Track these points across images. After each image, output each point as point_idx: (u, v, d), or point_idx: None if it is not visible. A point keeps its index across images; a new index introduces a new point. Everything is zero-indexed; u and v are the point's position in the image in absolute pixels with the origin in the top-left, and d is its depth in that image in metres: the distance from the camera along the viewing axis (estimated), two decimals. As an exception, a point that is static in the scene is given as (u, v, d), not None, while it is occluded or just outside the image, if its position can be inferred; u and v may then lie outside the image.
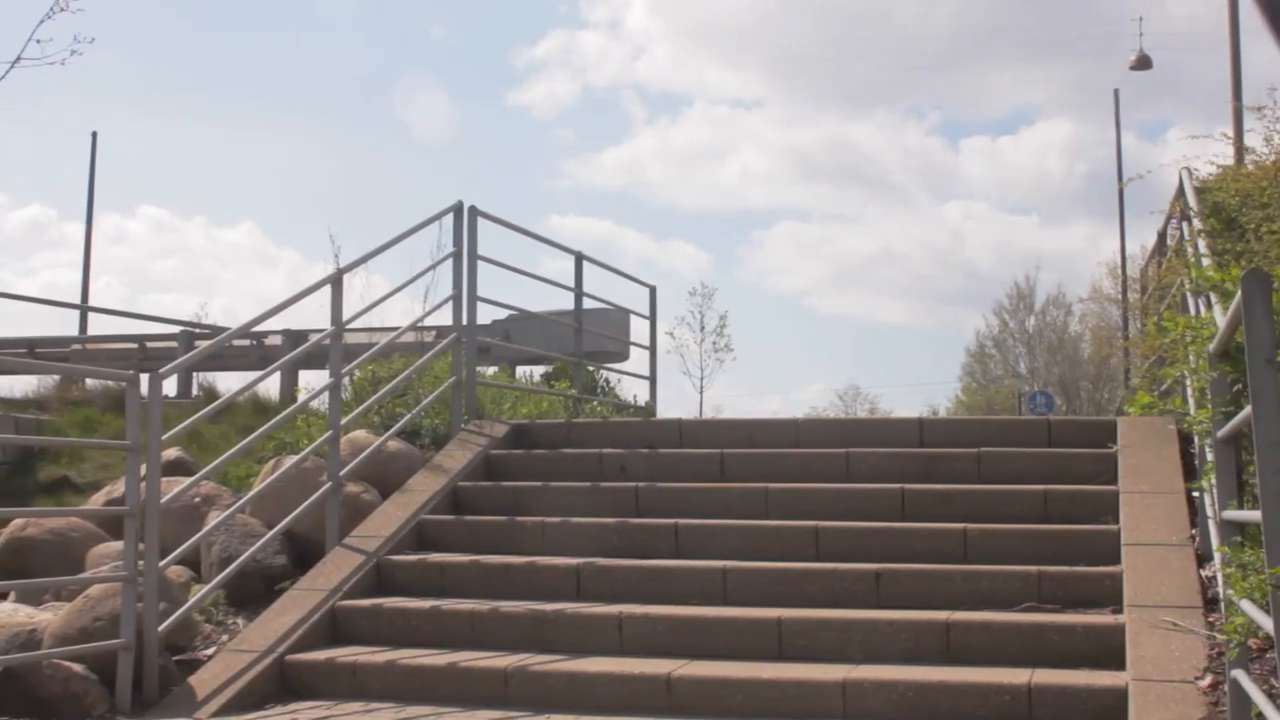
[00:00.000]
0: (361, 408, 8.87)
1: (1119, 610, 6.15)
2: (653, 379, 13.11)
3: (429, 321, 10.37)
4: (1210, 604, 5.93)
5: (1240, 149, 9.83)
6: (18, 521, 8.53)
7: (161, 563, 6.65)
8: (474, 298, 9.72)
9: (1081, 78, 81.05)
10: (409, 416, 9.19)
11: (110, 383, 14.27)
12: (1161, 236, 10.70)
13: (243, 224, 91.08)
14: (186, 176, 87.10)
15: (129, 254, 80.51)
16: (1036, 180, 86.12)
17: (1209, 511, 6.15)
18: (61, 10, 12.49)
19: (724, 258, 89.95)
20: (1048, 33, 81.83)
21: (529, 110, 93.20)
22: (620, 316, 14.98)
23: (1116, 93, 37.73)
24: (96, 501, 9.31)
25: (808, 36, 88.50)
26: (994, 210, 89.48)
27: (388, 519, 8.09)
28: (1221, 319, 5.52)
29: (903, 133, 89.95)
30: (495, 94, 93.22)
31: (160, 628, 6.53)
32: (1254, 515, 4.53)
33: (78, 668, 6.32)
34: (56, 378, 16.65)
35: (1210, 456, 5.74)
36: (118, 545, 7.48)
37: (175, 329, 23.04)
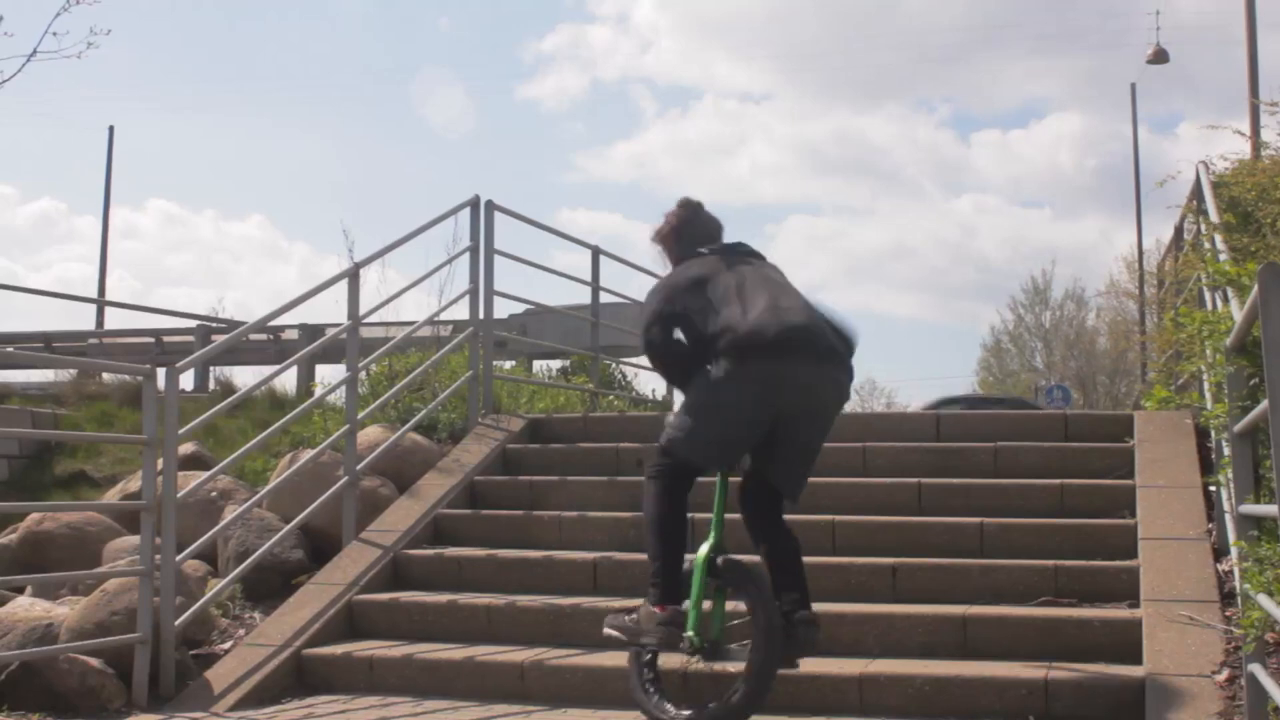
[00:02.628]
0: (378, 402, 8.88)
1: (1135, 605, 6.14)
2: (669, 374, 13.10)
3: (445, 316, 10.39)
4: (1227, 598, 5.92)
5: (1257, 144, 9.80)
6: (35, 515, 8.56)
7: (178, 557, 6.67)
8: (490, 292, 9.73)
9: (1091, 71, 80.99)
10: (426, 411, 9.20)
11: (127, 377, 14.26)
12: (1178, 231, 10.67)
13: (253, 217, 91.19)
14: (196, 170, 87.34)
15: (140, 248, 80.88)
16: (1048, 174, 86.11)
17: (1226, 506, 6.14)
18: (77, 2, 12.52)
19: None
20: (1058, 25, 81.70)
21: (539, 104, 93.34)
22: (637, 310, 14.97)
23: (1134, 87, 37.73)
24: (113, 496, 9.34)
25: (816, 29, 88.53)
26: (1006, 204, 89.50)
27: (404, 513, 8.10)
28: (1238, 313, 5.51)
29: (913, 126, 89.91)
30: (504, 88, 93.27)
31: (177, 622, 6.55)
32: (1271, 509, 4.53)
33: (94, 662, 6.34)
34: (73, 372, 16.66)
35: (1227, 451, 5.73)
36: (134, 539, 7.50)
37: (192, 323, 23.10)
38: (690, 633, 5.43)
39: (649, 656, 5.66)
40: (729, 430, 5.51)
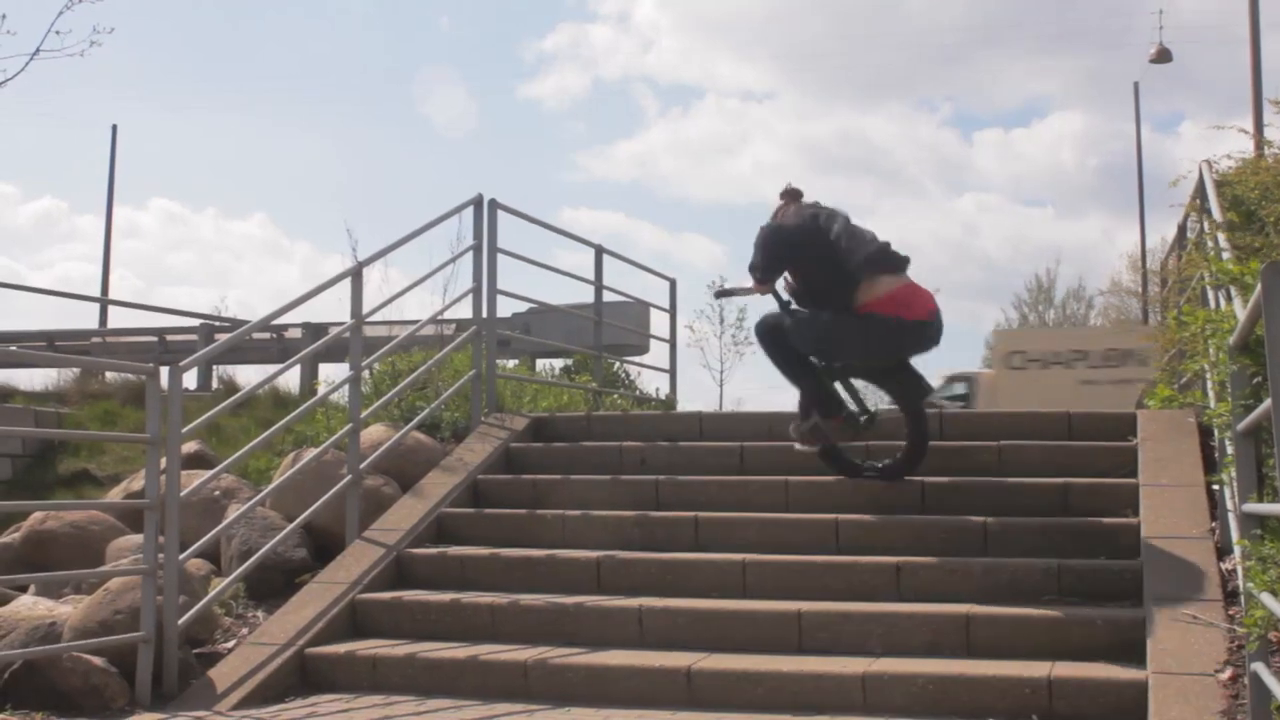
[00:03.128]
0: (381, 401, 8.88)
1: (1139, 604, 6.13)
2: (673, 372, 13.10)
3: (448, 315, 10.38)
4: (1230, 597, 5.92)
5: (1261, 142, 9.77)
6: (38, 514, 8.56)
7: (181, 556, 6.67)
8: (494, 291, 9.72)
9: (1093, 70, 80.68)
10: (429, 409, 9.20)
11: (130, 375, 14.30)
12: (1181, 230, 10.66)
13: (254, 216, 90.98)
14: (197, 169, 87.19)
15: (142, 246, 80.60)
16: (1050, 173, 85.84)
17: (1229, 505, 6.14)
18: (80, 0, 12.50)
19: (739, 250, 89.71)
20: (1059, 25, 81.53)
21: (540, 103, 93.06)
22: (640, 309, 14.98)
23: (1137, 86, 37.67)
24: (116, 494, 9.35)
25: (818, 29, 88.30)
26: (1008, 202, 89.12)
27: (408, 512, 8.11)
28: (1241, 312, 5.51)
29: (915, 125, 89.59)
30: (506, 87, 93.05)
31: (180, 621, 6.55)
32: (1274, 508, 4.54)
33: (98, 661, 6.34)
34: (77, 371, 16.67)
35: (1230, 449, 5.73)
36: (138, 538, 7.50)
37: (195, 322, 23.08)
38: (858, 413, 7.84)
39: (833, 451, 7.88)
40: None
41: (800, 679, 5.91)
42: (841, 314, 7.43)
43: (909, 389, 7.69)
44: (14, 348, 17.65)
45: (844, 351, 7.66)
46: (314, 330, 19.47)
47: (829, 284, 7.48)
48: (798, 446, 7.80)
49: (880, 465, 7.84)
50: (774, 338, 7.75)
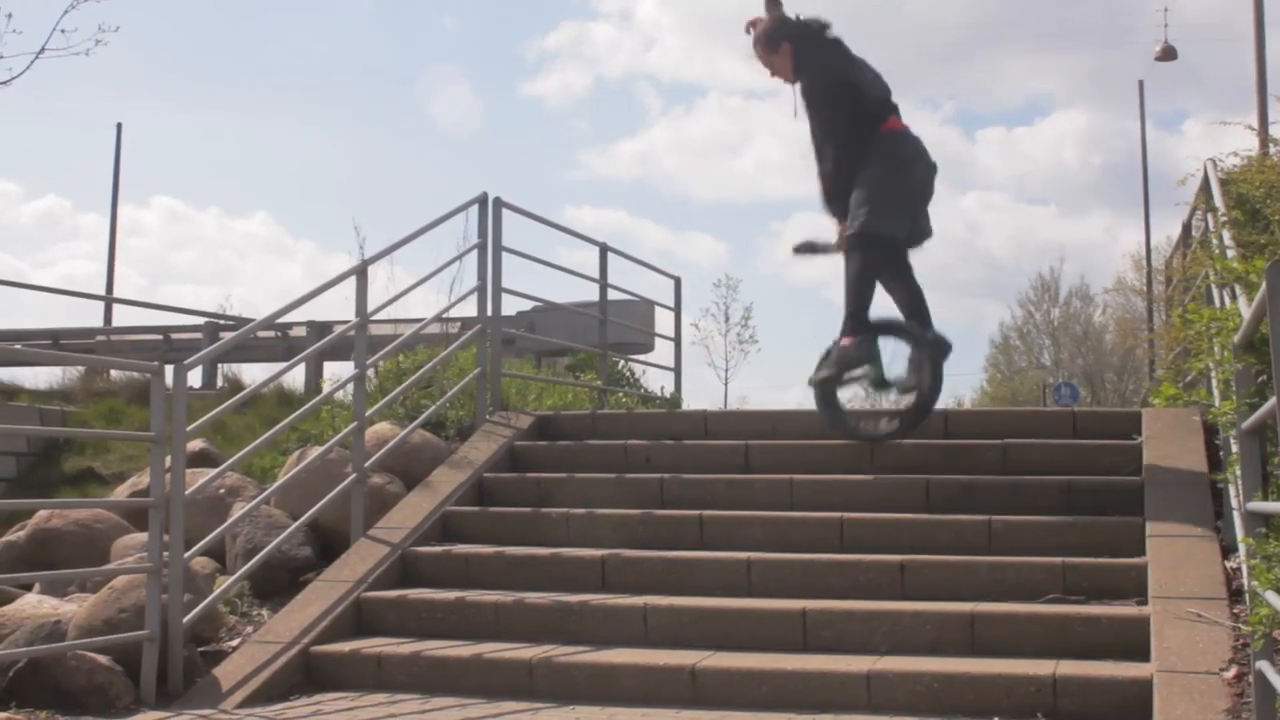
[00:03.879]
0: (386, 399, 8.88)
1: (1144, 602, 6.14)
2: (678, 370, 13.10)
3: (453, 313, 10.38)
4: (1235, 595, 5.91)
5: (1265, 140, 9.77)
6: (42, 513, 8.56)
7: (186, 554, 6.67)
8: (499, 289, 9.71)
9: (1095, 68, 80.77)
10: (434, 408, 9.20)
11: (135, 374, 14.28)
12: (1186, 228, 10.65)
13: (257, 214, 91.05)
14: (200, 167, 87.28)
15: (146, 245, 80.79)
16: (1053, 171, 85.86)
17: (1234, 503, 6.13)
18: (84, -1, 12.52)
19: (742, 249, 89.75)
20: (1062, 23, 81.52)
21: (543, 101, 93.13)
22: (645, 308, 14.97)
23: (1141, 84, 37.72)
24: (121, 493, 9.34)
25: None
26: (1012, 201, 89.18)
27: (412, 510, 8.11)
28: (1246, 310, 5.50)
29: (917, 123, 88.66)
30: (508, 85, 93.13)
31: (185, 619, 6.55)
32: (1279, 507, 4.52)
33: (102, 659, 6.34)
34: (81, 369, 16.66)
35: (1235, 448, 5.73)
36: (142, 536, 7.51)
37: (200, 320, 23.09)
38: (874, 373, 8.09)
39: (834, 396, 8.20)
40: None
41: (805, 677, 5.90)
42: (872, 157, 8.13)
43: (922, 310, 8.20)
44: (19, 346, 17.65)
45: (897, 167, 8.19)
46: (319, 328, 19.45)
47: (859, 117, 8.17)
48: (811, 380, 8.23)
49: (897, 415, 8.30)
50: (883, 243, 8.06)
